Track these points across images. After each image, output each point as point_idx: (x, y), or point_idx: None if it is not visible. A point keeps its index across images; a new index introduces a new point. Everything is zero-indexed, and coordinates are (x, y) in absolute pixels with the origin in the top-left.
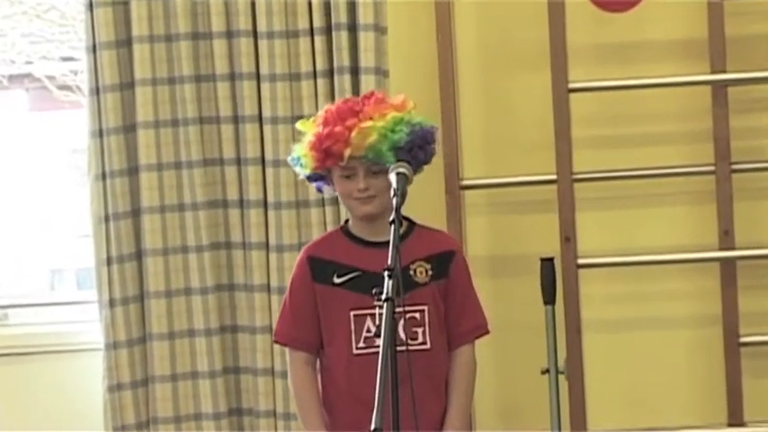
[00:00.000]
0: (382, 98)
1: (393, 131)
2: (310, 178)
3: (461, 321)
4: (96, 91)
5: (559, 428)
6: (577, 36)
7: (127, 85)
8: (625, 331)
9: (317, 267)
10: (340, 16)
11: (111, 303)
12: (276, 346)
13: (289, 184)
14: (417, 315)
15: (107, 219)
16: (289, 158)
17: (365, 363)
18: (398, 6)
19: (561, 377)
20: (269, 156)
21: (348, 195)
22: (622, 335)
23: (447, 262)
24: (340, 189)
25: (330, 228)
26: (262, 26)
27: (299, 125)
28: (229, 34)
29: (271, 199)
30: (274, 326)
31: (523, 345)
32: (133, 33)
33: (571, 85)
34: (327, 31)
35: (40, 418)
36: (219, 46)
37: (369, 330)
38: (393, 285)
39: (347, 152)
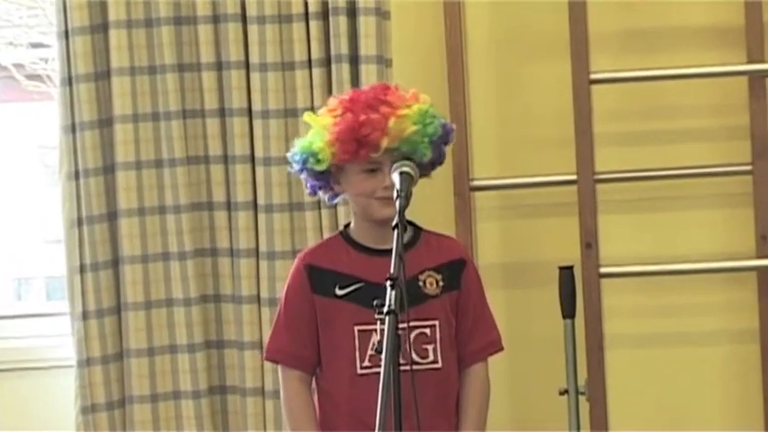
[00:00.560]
0: (398, 89)
1: (425, 124)
2: (316, 177)
3: (474, 337)
4: (69, 81)
5: None
6: (600, 22)
7: (102, 75)
8: (652, 348)
9: (317, 277)
10: None
11: (85, 316)
12: (267, 364)
13: (281, 185)
14: (428, 330)
15: (80, 222)
16: (290, 153)
17: (371, 383)
18: None
19: (581, 398)
20: (259, 153)
21: (368, 194)
22: (649, 352)
23: (458, 272)
24: (359, 187)
25: (327, 233)
26: (252, 10)
27: (306, 117)
28: (216, 19)
29: (261, 201)
30: (265, 341)
31: (540, 363)
32: (110, 18)
33: (593, 76)
34: (324, 15)
35: None
36: (205, 32)
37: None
38: (396, 296)
39: (384, 142)
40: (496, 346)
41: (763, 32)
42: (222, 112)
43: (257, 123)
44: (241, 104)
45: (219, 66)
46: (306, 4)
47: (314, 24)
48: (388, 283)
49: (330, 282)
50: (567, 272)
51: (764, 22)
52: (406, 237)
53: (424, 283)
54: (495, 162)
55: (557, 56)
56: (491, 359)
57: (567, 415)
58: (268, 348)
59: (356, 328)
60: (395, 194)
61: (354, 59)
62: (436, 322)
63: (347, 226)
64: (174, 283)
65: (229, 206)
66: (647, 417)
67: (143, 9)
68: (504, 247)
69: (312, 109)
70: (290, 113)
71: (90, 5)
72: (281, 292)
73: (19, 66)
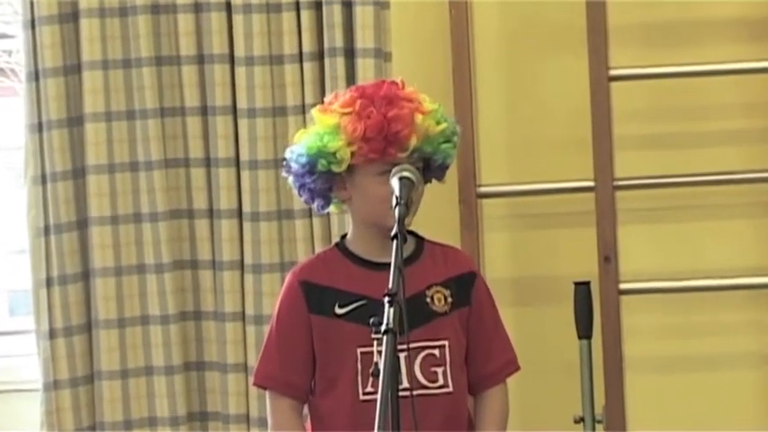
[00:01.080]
0: (404, 84)
1: (438, 122)
2: (323, 181)
3: (490, 358)
4: (35, 75)
5: None
6: (620, 12)
7: (72, 69)
8: (676, 371)
9: (314, 295)
10: None
11: (52, 334)
12: (253, 388)
13: (268, 190)
14: (437, 352)
15: (47, 231)
16: (290, 154)
17: (374, 410)
18: None
19: (598, 427)
20: (244, 156)
21: (384, 200)
22: (673, 376)
23: (468, 286)
24: (373, 192)
25: (319, 243)
26: None
27: (314, 113)
28: (197, 8)
29: (246, 208)
30: (251, 363)
31: (553, 388)
32: (80, 6)
33: (612, 72)
34: (317, 4)
35: None
36: (185, 22)
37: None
38: (395, 314)
39: (413, 140)
40: (514, 366)
41: None
42: (204, 111)
43: (242, 123)
44: (225, 102)
45: (201, 59)
46: None
47: (305, 14)
48: (386, 299)
49: (329, 299)
50: (583, 288)
51: None
52: (409, 249)
53: (432, 299)
54: (505, 167)
55: (572, 50)
56: None
57: None
58: (257, 372)
59: (359, 350)
60: (394, 201)
61: (350, 53)
62: (446, 342)
63: (343, 237)
64: (151, 298)
65: (211, 214)
66: None
67: None
68: (514, 260)
69: (303, 108)
70: (279, 112)
71: None
72: (268, 309)
73: None
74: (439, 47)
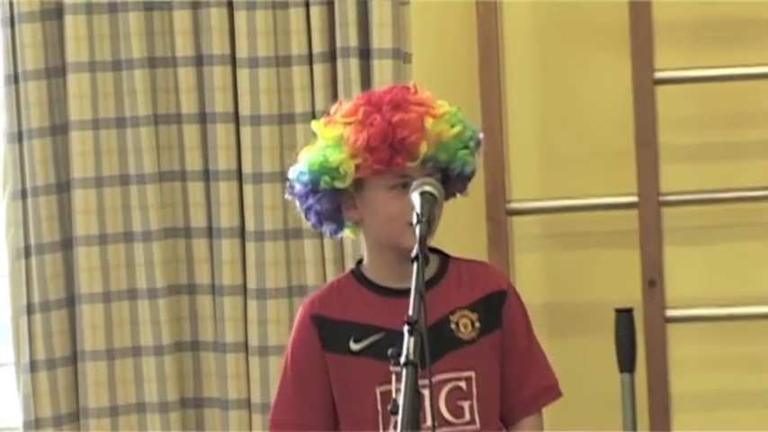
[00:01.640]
0: (418, 89)
1: (452, 125)
2: (329, 201)
3: (525, 383)
4: (14, 78)
5: None
6: (667, 10)
7: (56, 71)
8: (729, 409)
9: (328, 330)
10: None
11: (33, 367)
12: (255, 425)
13: (274, 207)
14: (463, 384)
15: (28, 252)
16: (291, 174)
17: None
18: None
19: None
20: (247, 168)
21: (398, 217)
22: (726, 413)
23: (498, 306)
24: (386, 209)
25: (330, 266)
26: None
27: (315, 126)
28: (195, 4)
29: (250, 227)
30: (254, 399)
31: (592, 426)
32: (65, 2)
33: (658, 75)
34: (328, 0)
35: None
36: (182, 19)
37: None
38: (416, 344)
39: (423, 147)
40: (553, 393)
41: None
42: (202, 118)
43: (245, 131)
44: (225, 108)
45: (199, 61)
46: None
47: (315, 10)
48: (406, 327)
49: (344, 335)
50: (625, 315)
51: None
52: (431, 269)
53: (457, 325)
54: (537, 181)
55: (613, 51)
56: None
57: None
58: (273, 417)
59: (378, 390)
60: (414, 218)
61: (365, 53)
62: (472, 374)
63: (359, 263)
64: (143, 326)
65: (210, 233)
66: None
67: None
68: (548, 284)
69: (313, 114)
70: (286, 119)
71: None
72: (274, 339)
73: None
74: (464, 47)
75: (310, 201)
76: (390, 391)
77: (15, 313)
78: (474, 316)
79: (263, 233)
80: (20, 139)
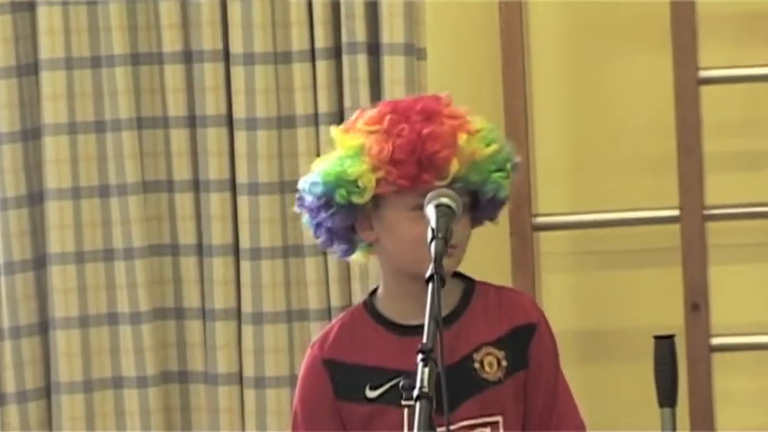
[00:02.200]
0: (451, 101)
1: (488, 144)
2: (342, 218)
3: (549, 426)
4: None
5: None
6: (712, 2)
7: (27, 69)
8: None
9: (341, 376)
10: None
11: (2, 400)
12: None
13: (272, 221)
14: (488, 430)
15: None
16: (303, 184)
17: None
18: None
19: None
20: (242, 178)
21: (418, 242)
22: None
23: (525, 342)
24: (406, 232)
25: (336, 288)
26: None
27: (334, 133)
28: None
29: (245, 243)
30: None
31: None
32: None
33: (703, 74)
34: None
35: None
36: (168, 10)
37: None
38: (430, 374)
39: (454, 165)
40: None
41: None
42: (191, 121)
43: (240, 136)
44: (218, 111)
45: (188, 57)
46: None
47: (318, 0)
48: (420, 357)
49: (359, 381)
50: (665, 343)
51: None
52: (454, 297)
53: (482, 364)
54: (566, 192)
55: (652, 48)
56: None
57: None
58: None
59: None
60: (429, 235)
61: (374, 49)
62: (500, 419)
63: (374, 292)
64: (125, 355)
65: (201, 250)
66: None
67: None
68: (579, 307)
69: (315, 117)
70: (285, 123)
71: None
72: (271, 370)
73: None
74: (485, 43)
75: (322, 216)
76: None
77: None
78: (501, 353)
79: (260, 250)
80: None
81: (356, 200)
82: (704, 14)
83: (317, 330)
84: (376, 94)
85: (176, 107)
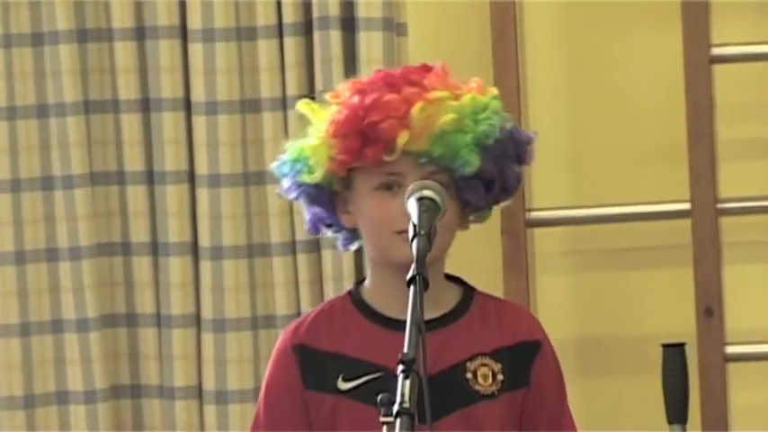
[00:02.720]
0: (447, 72)
1: (476, 120)
2: (314, 200)
3: None
4: None
5: None
6: None
7: None
8: None
9: (312, 363)
10: None
11: None
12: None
13: (235, 217)
14: None
15: None
16: (276, 162)
17: None
18: None
19: None
20: (201, 168)
21: (383, 225)
22: None
23: (528, 359)
24: (371, 213)
25: (306, 291)
26: None
27: (301, 106)
28: None
29: (204, 242)
30: None
31: None
32: None
33: (716, 52)
34: None
35: None
36: None
37: None
38: (412, 388)
39: (402, 137)
40: None
41: None
42: (145, 105)
43: (198, 122)
44: (174, 93)
45: (141, 33)
46: None
47: None
48: (400, 368)
49: (332, 370)
50: (675, 352)
51: None
52: (450, 302)
53: (474, 375)
54: (564, 184)
55: (660, 24)
56: None
57: None
58: None
59: None
60: (411, 231)
61: (349, 24)
62: None
63: (359, 284)
64: (71, 367)
65: (156, 249)
66: None
67: None
68: (578, 313)
69: (283, 101)
70: (250, 107)
71: None
72: (234, 383)
73: None
74: (473, 16)
75: (294, 198)
76: None
77: None
78: (497, 366)
79: (221, 249)
80: None
81: (306, 179)
82: None
83: None
84: (351, 74)
85: (127, 89)
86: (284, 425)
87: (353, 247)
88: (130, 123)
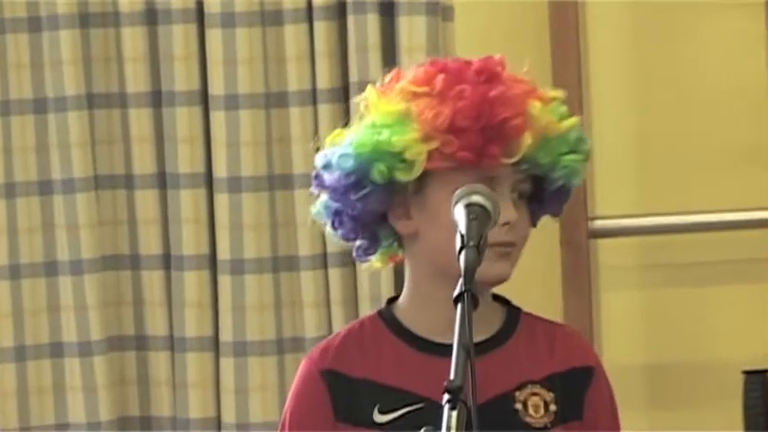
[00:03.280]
0: (505, 64)
1: (562, 118)
2: (378, 201)
3: None
4: None
5: None
6: None
7: None
8: None
9: (343, 392)
10: None
11: None
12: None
13: (259, 227)
14: None
15: None
16: (323, 158)
17: None
18: None
19: None
20: (220, 170)
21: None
22: None
23: (581, 388)
24: (453, 220)
25: (339, 310)
26: None
27: (369, 93)
28: None
29: (224, 254)
30: None
31: None
32: None
33: None
34: None
35: None
36: None
37: None
38: (459, 421)
39: (527, 139)
40: None
41: None
42: (156, 99)
43: (217, 117)
44: (189, 85)
45: (152, 17)
46: None
47: None
48: (446, 398)
49: (366, 400)
50: (757, 379)
51: None
52: (494, 324)
53: (525, 405)
54: (633, 190)
55: (740, 11)
56: None
57: None
58: None
59: None
60: (458, 242)
61: (387, 7)
62: None
63: (391, 301)
64: (73, 395)
65: (168, 263)
66: None
67: None
68: (648, 335)
69: (313, 94)
70: (276, 101)
71: None
72: (257, 416)
73: None
74: (529, 3)
75: (350, 198)
76: None
77: None
78: (549, 396)
79: (243, 263)
80: None
81: (400, 176)
82: None
83: None
84: (390, 64)
85: (136, 81)
86: None
87: (369, 258)
88: (140, 119)
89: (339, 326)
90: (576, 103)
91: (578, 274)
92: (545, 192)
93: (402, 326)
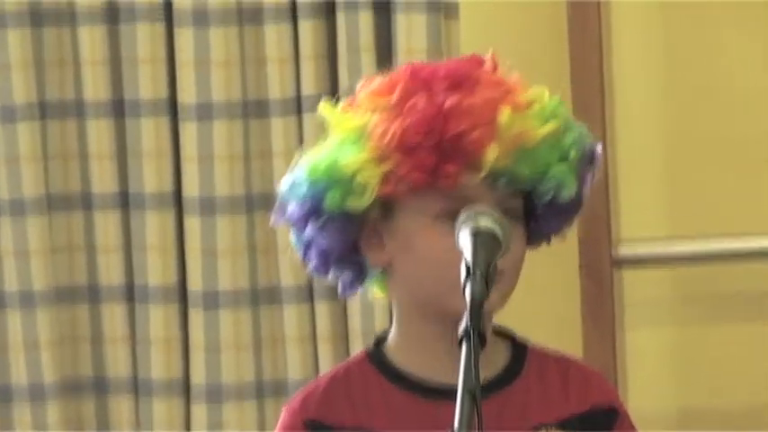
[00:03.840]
0: (497, 66)
1: (546, 120)
2: (339, 232)
3: None
4: None
5: None
6: None
7: None
8: None
9: None
10: None
11: None
12: None
13: (236, 252)
14: None
15: None
16: (284, 186)
17: None
18: None
19: None
20: (191, 189)
21: (441, 264)
22: None
23: (605, 429)
24: (429, 249)
25: (327, 348)
26: None
27: (323, 110)
28: None
29: (195, 285)
30: None
31: None
32: None
33: None
34: None
35: None
36: None
37: None
38: None
39: (491, 152)
40: None
41: None
42: (118, 108)
43: (188, 129)
44: (156, 93)
45: (113, 15)
46: None
47: None
48: None
49: None
50: None
51: None
52: (500, 362)
53: None
54: (661, 212)
55: None
56: None
57: None
58: None
59: None
60: (463, 271)
61: (383, 4)
62: None
63: (379, 343)
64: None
65: (132, 295)
66: None
67: None
68: (680, 377)
69: (298, 102)
70: (254, 111)
71: None
72: None
73: None
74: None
75: (310, 230)
76: None
77: None
78: None
79: (217, 295)
80: None
81: (353, 204)
82: None
83: None
84: (385, 67)
85: (96, 88)
86: None
87: (357, 290)
88: (99, 131)
89: (327, 366)
90: (598, 111)
91: (600, 308)
92: (536, 208)
93: (393, 368)
